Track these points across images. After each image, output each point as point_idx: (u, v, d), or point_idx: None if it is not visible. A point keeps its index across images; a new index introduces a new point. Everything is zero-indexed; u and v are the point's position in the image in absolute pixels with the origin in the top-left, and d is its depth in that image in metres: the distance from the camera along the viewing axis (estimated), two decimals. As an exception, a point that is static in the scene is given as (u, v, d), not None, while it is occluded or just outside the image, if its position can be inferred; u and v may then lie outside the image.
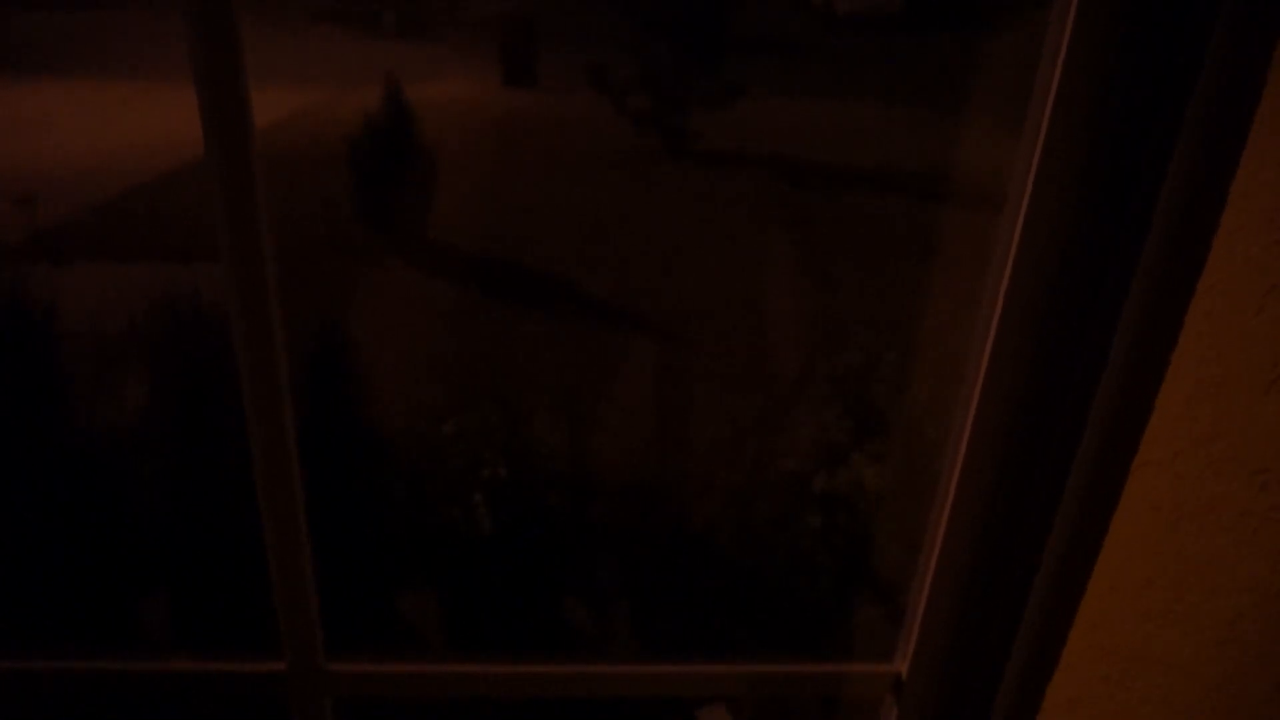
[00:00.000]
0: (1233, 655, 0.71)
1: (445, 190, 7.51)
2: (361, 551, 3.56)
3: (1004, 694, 1.04)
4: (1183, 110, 0.75)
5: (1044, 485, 0.94)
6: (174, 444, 3.59)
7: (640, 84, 9.73)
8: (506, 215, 7.52)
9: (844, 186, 8.94)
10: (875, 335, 5.05)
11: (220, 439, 3.49)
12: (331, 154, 7.29)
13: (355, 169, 6.97)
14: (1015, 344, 0.90)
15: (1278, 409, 0.68)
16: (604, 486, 4.05)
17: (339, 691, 1.18)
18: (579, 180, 8.53)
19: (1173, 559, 0.78)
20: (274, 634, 1.13)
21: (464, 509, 3.65)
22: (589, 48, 10.67)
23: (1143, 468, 0.82)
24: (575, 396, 4.74)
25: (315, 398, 3.70)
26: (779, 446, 4.30)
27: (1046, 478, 0.94)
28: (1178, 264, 0.77)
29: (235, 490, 3.34)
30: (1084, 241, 0.83)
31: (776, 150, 9.68)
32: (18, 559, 3.39)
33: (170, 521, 3.56)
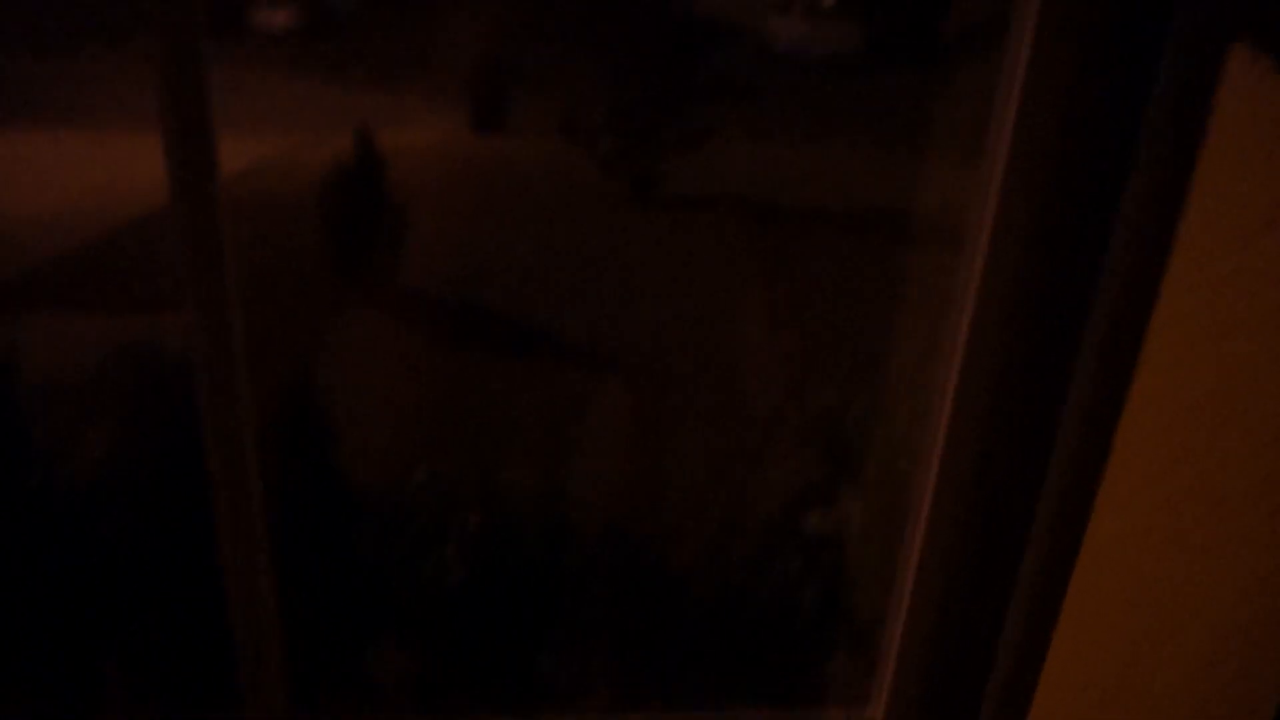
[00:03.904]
0: (1210, 684, 0.70)
1: (416, 237, 7.51)
2: (329, 604, 3.49)
3: (986, 735, 1.03)
4: (1134, 145, 0.77)
5: (1013, 521, 0.94)
6: (136, 497, 3.51)
7: (609, 128, 9.83)
8: (477, 261, 7.53)
9: (813, 226, 9.06)
10: (851, 374, 5.08)
11: (184, 491, 3.42)
12: (300, 202, 7.28)
13: (325, 217, 6.94)
14: (979, 380, 0.91)
15: (1239, 438, 0.68)
16: (580, 533, 4.01)
17: (306, 751, 1.14)
18: (550, 225, 8.57)
19: (1145, 591, 0.78)
20: (237, 690, 1.10)
21: (436, 559, 3.60)
22: (558, 93, 10.79)
23: (1110, 500, 0.82)
24: (549, 442, 4.71)
25: (282, 448, 3.65)
26: (758, 487, 4.29)
27: (1015, 515, 0.94)
28: (1133, 300, 0.78)
29: (199, 543, 3.26)
30: (1042, 277, 0.84)
31: (745, 192, 9.80)
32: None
33: (132, 574, 3.47)
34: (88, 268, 6.88)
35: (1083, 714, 0.87)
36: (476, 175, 9.97)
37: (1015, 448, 0.92)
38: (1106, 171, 0.80)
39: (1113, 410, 0.82)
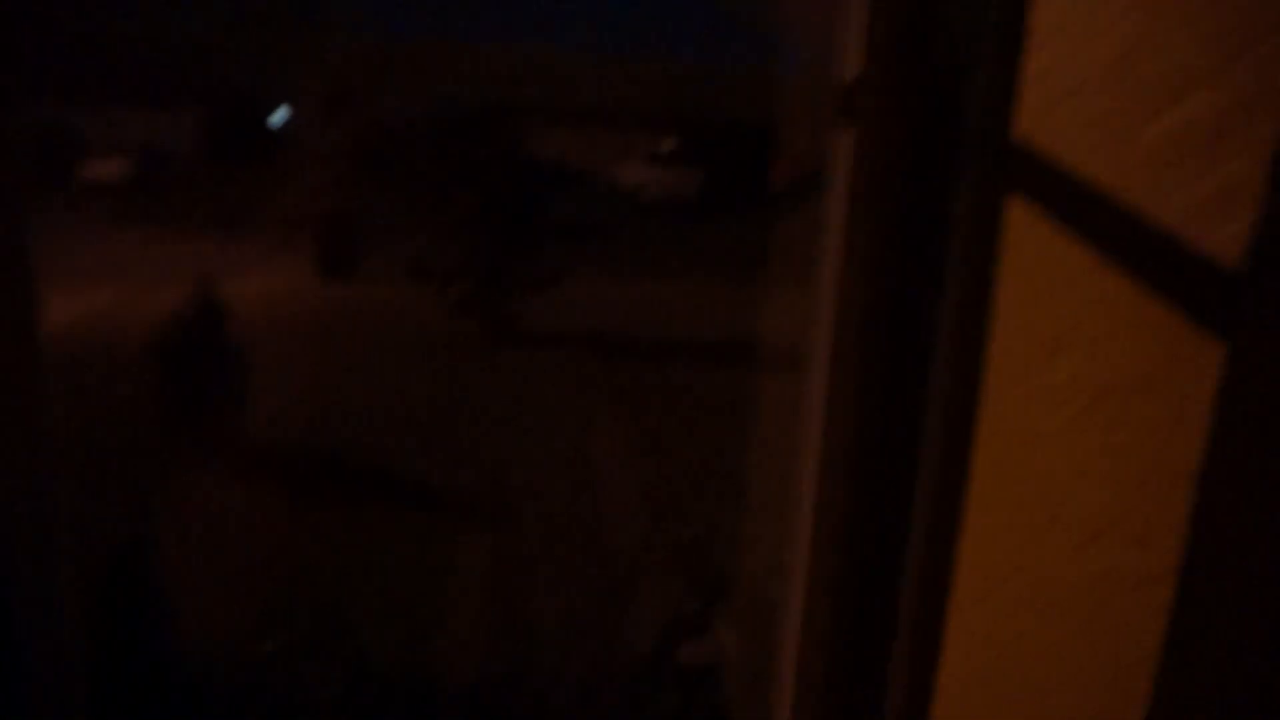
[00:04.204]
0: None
1: (261, 388, 7.21)
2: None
3: None
4: (940, 276, 0.86)
5: (878, 638, 0.97)
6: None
7: (460, 272, 9.91)
8: (327, 410, 7.27)
9: (665, 358, 9.31)
10: (714, 502, 5.14)
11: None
12: (135, 353, 6.89)
13: (161, 369, 6.60)
14: (833, 501, 0.95)
15: (1060, 546, 0.74)
16: (447, 692, 3.78)
17: None
18: (402, 370, 8.43)
19: (1001, 686, 0.81)
20: None
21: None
22: (407, 239, 10.85)
23: (959, 607, 0.86)
24: (408, 598, 4.48)
25: (110, 622, 3.30)
26: (628, 623, 4.20)
27: (879, 632, 0.96)
28: (957, 416, 0.85)
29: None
30: (877, 399, 0.90)
31: (597, 328, 10.02)
32: None
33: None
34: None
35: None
36: (325, 322, 9.77)
37: (872, 561, 0.96)
38: (920, 298, 0.88)
39: (955, 518, 0.87)
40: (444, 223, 10.62)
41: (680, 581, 4.15)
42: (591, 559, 4.90)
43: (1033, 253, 0.76)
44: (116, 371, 7.37)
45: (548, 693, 3.78)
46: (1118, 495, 0.68)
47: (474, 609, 4.48)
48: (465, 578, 4.74)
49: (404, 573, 4.72)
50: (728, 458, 6.29)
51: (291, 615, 4.09)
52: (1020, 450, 0.78)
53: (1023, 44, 0.77)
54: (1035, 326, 0.76)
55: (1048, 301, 0.75)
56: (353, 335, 9.44)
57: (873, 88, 0.87)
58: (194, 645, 3.73)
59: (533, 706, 3.67)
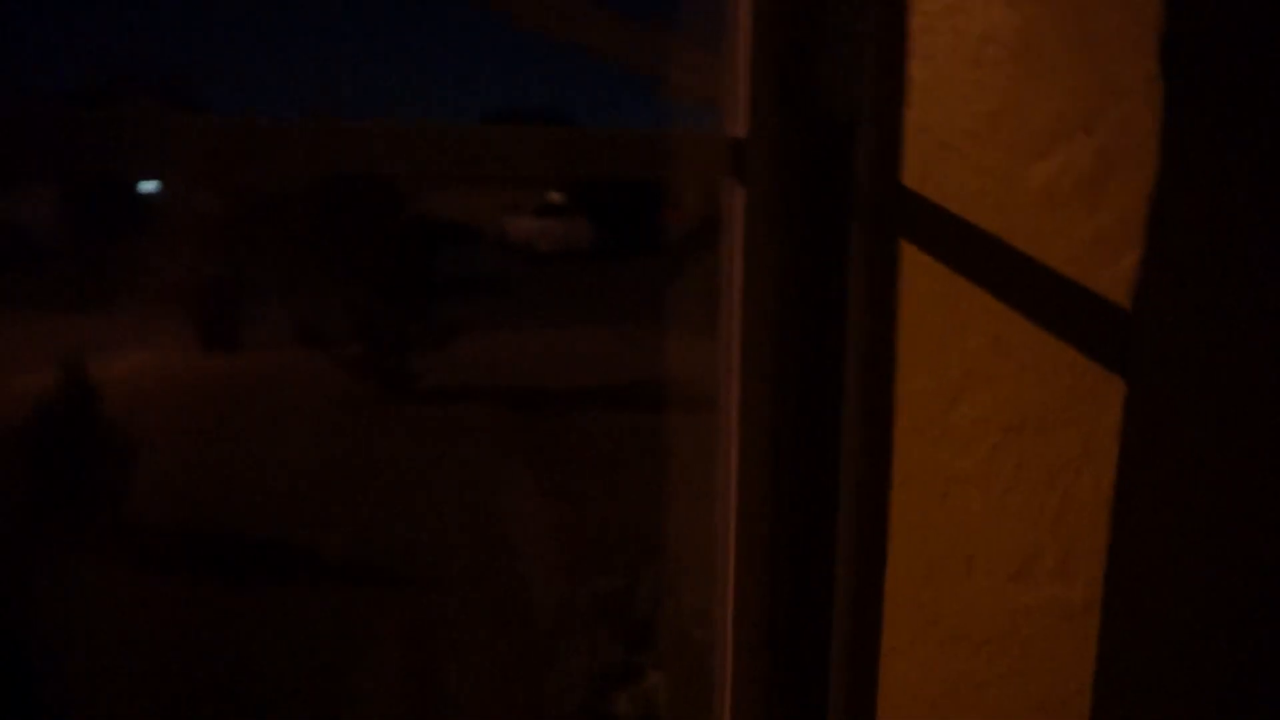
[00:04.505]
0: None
1: (146, 469, 6.82)
2: None
3: None
4: (841, 324, 0.88)
5: (810, 685, 0.96)
6: None
7: (352, 333, 9.68)
8: (218, 485, 6.94)
9: (567, 408, 9.27)
10: (631, 549, 5.10)
11: None
12: (3, 439, 6.45)
13: (29, 459, 6.18)
14: (753, 540, 0.95)
15: (983, 586, 0.76)
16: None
17: None
18: (298, 437, 8.13)
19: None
20: None
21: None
22: (292, 303, 10.53)
23: (888, 657, 0.86)
24: (318, 675, 4.28)
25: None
26: (553, 679, 4.10)
27: (807, 676, 0.96)
28: (871, 464, 0.86)
29: None
30: (790, 436, 0.91)
31: (498, 381, 9.91)
32: None
33: None
34: None
35: None
36: (211, 394, 9.35)
37: (798, 613, 0.96)
38: (823, 349, 0.90)
39: (876, 566, 0.88)
40: (330, 284, 10.40)
41: (604, 632, 4.09)
42: (510, 618, 4.78)
43: (930, 299, 0.79)
44: (-17, 463, 6.88)
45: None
46: (1035, 531, 0.70)
47: (390, 680, 4.30)
48: (379, 648, 4.55)
49: (312, 649, 4.50)
50: (641, 504, 6.27)
51: (190, 715, 3.85)
52: (936, 493, 0.80)
53: (903, 100, 0.80)
54: (939, 371, 0.78)
55: (949, 346, 0.77)
56: (242, 405, 9.07)
57: (759, 147, 0.89)
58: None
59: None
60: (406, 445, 7.93)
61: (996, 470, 0.73)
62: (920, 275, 0.79)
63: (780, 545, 0.95)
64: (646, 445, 7.64)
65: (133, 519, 6.33)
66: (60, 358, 6.87)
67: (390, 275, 9.99)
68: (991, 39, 0.71)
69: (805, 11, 0.87)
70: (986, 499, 0.74)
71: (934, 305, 0.78)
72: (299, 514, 6.35)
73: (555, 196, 14.23)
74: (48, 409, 6.38)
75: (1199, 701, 0.63)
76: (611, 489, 6.66)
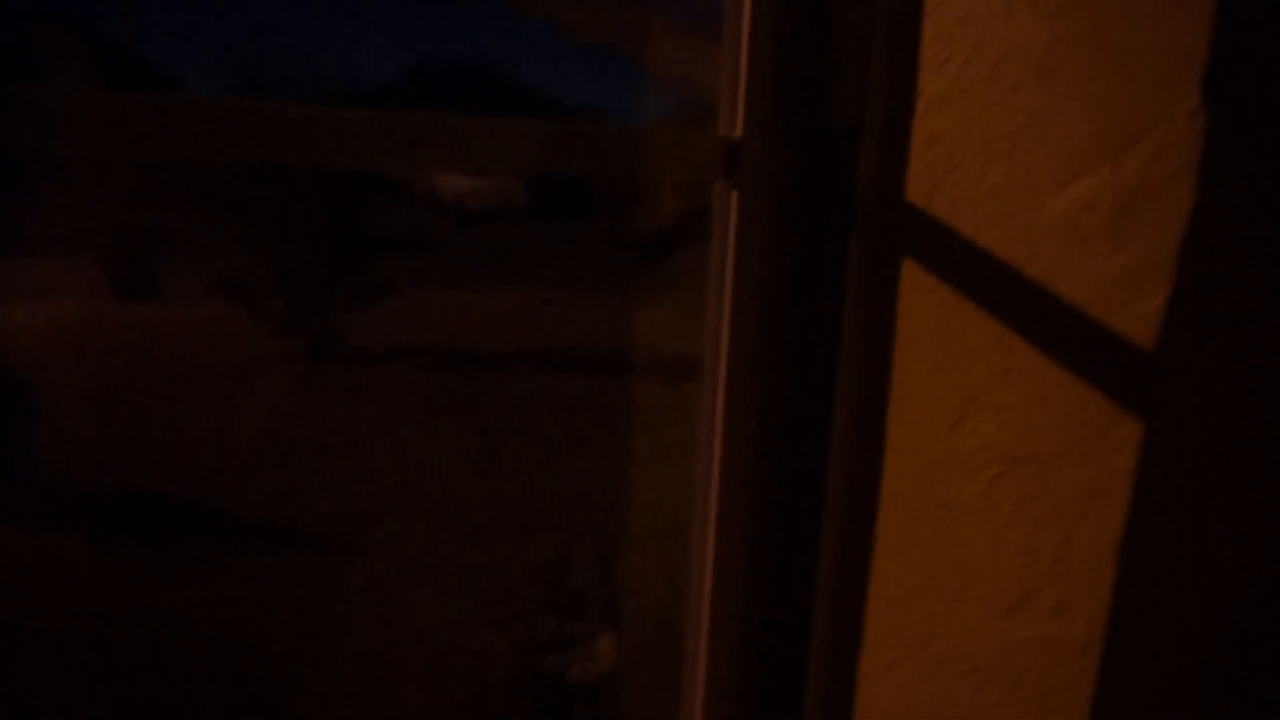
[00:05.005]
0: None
1: (52, 426, 6.52)
2: None
3: None
4: (834, 340, 0.85)
5: (783, 696, 0.95)
6: None
7: (276, 288, 9.37)
8: (134, 443, 6.67)
9: (498, 370, 9.16)
10: (567, 516, 5.08)
11: None
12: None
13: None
14: (731, 559, 0.93)
15: (976, 615, 0.74)
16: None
17: None
18: (216, 394, 7.85)
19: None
20: None
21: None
22: (212, 254, 10.12)
23: (867, 676, 0.85)
24: (238, 643, 4.17)
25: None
26: (484, 645, 4.08)
27: (783, 688, 0.95)
28: (859, 484, 0.84)
29: None
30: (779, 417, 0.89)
31: (428, 341, 9.73)
32: None
33: None
34: None
35: None
36: (125, 347, 8.95)
37: (775, 626, 0.95)
38: (814, 363, 0.88)
39: (859, 582, 0.87)
40: (254, 236, 10.04)
41: (538, 601, 4.08)
42: (440, 586, 4.73)
43: (931, 321, 0.76)
44: None
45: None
46: (1035, 566, 0.69)
47: (321, 646, 4.23)
48: (301, 614, 4.46)
49: (230, 615, 4.39)
50: (573, 469, 6.25)
51: (110, 676, 3.72)
52: (928, 518, 0.78)
53: (911, 111, 0.77)
54: (938, 394, 0.76)
55: (952, 371, 0.75)
56: (159, 361, 8.72)
57: (754, 150, 0.85)
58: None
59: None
60: (332, 406, 7.74)
61: (996, 501, 0.72)
62: (922, 296, 0.77)
63: (760, 562, 0.93)
64: (577, 410, 7.60)
65: (38, 476, 6.04)
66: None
67: (317, 228, 9.68)
68: (1013, 55, 0.68)
69: (809, 9, 0.82)
70: (984, 529, 0.73)
71: (937, 328, 0.76)
72: (216, 475, 6.15)
73: (489, 153, 13.91)
74: (-55, 359, 6.04)
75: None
76: (541, 455, 6.62)
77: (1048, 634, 0.68)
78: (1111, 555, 0.63)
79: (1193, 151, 0.58)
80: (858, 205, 0.82)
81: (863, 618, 0.86)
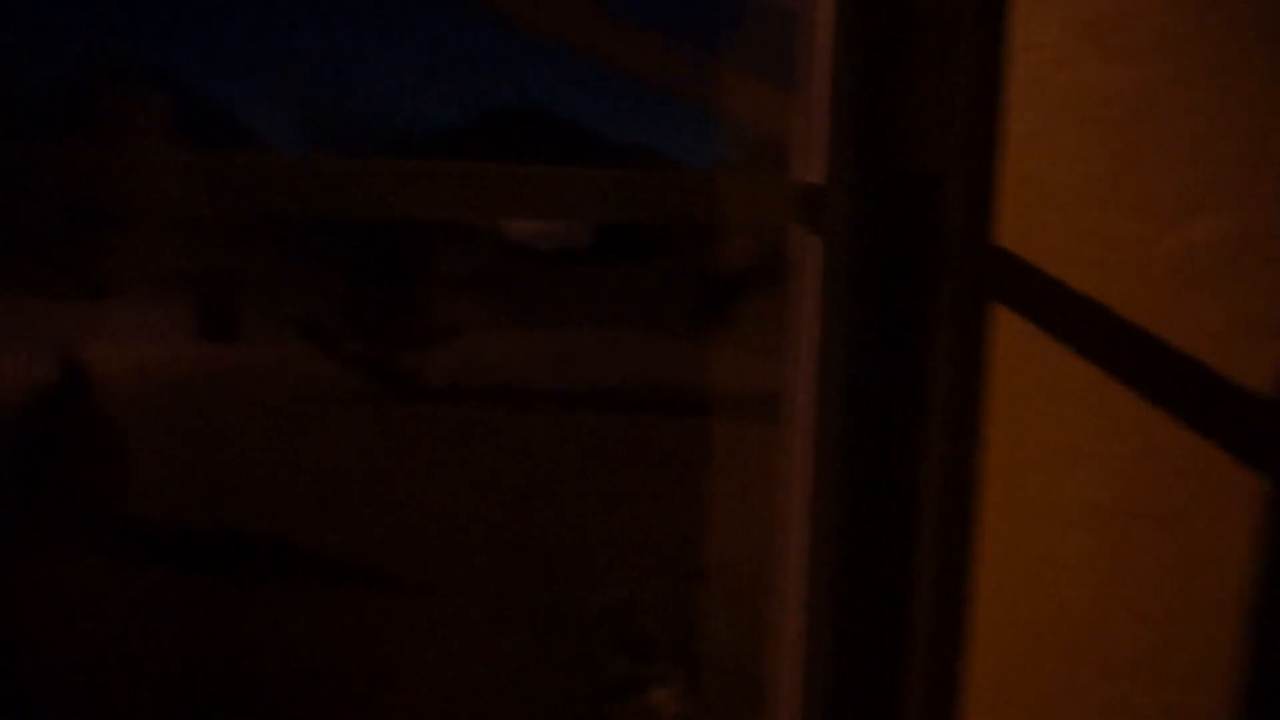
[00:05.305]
0: None
1: (139, 461, 6.75)
2: None
3: None
4: (923, 388, 0.83)
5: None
6: None
7: (351, 329, 9.63)
8: (215, 479, 6.87)
9: (567, 408, 9.21)
10: (640, 559, 5.04)
11: None
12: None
13: (22, 447, 6.12)
14: (823, 607, 0.90)
15: (1087, 671, 0.70)
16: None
17: None
18: (294, 432, 8.06)
19: None
20: None
21: None
22: (289, 297, 10.45)
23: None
24: (315, 682, 4.22)
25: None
26: (572, 688, 4.06)
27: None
28: (952, 536, 0.81)
29: None
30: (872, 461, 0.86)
31: (498, 380, 9.84)
32: None
33: None
34: None
35: None
36: (208, 386, 9.27)
37: (870, 679, 0.91)
38: (903, 412, 0.85)
39: (953, 646, 0.84)
40: (328, 279, 10.34)
41: (606, 643, 4.04)
42: (508, 626, 4.73)
43: (1027, 368, 0.74)
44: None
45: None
46: (1152, 630, 0.65)
47: (389, 686, 4.26)
48: (378, 653, 4.50)
49: (310, 654, 4.45)
50: (643, 510, 6.22)
51: (185, 713, 3.79)
52: (1027, 572, 0.75)
53: (999, 154, 0.75)
54: (1035, 444, 0.73)
55: (1048, 419, 0.72)
56: (240, 399, 9.00)
57: (837, 195, 0.84)
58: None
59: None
60: (404, 444, 7.87)
61: (1104, 558, 0.68)
62: (1017, 342, 0.74)
63: (852, 616, 0.90)
64: (646, 450, 7.58)
65: (128, 511, 6.27)
66: (58, 346, 6.81)
67: (387, 271, 9.93)
68: (1108, 96, 0.66)
69: (890, 53, 0.82)
70: (1091, 587, 0.69)
71: (1033, 375, 0.73)
72: (290, 512, 6.29)
73: (555, 194, 14.15)
74: (44, 397, 6.33)
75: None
76: (610, 493, 6.61)
77: (1170, 703, 0.64)
78: (1242, 621, 0.59)
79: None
80: (946, 249, 0.80)
81: (960, 674, 0.82)
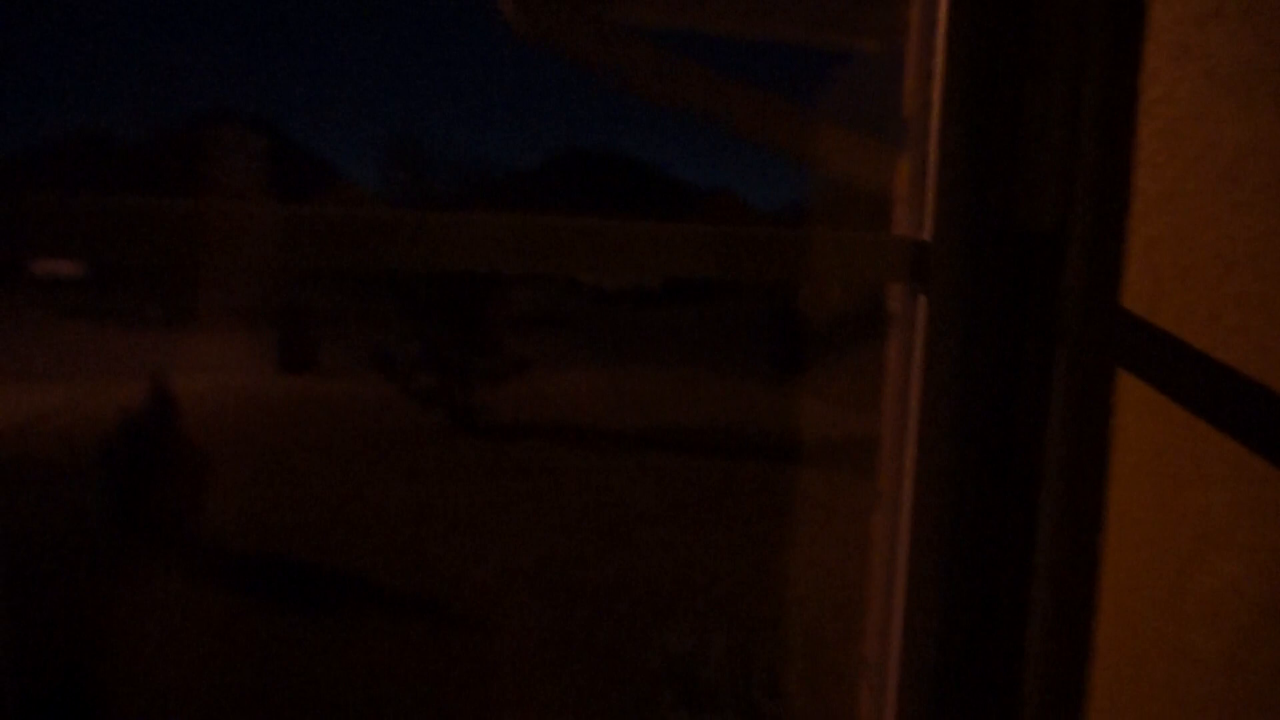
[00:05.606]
0: None
1: (220, 487, 6.94)
2: None
3: None
4: (1039, 463, 0.77)
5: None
6: None
7: (424, 364, 9.80)
8: (290, 508, 7.01)
9: (633, 448, 9.18)
10: (701, 602, 4.95)
11: None
12: (85, 454, 6.64)
13: (110, 469, 6.33)
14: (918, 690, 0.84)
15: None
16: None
17: None
18: (368, 463, 8.20)
19: None
20: None
21: None
22: (368, 332, 10.70)
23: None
24: (372, 714, 4.22)
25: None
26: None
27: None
28: (1069, 631, 0.76)
29: None
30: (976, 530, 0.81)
31: (566, 418, 9.88)
32: None
33: None
34: None
35: None
36: (286, 417, 9.51)
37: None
38: (1017, 490, 0.80)
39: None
40: (404, 316, 10.58)
41: (668, 694, 3.96)
42: (571, 669, 4.68)
43: (1156, 444, 0.68)
44: (67, 473, 7.09)
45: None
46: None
47: (457, 717, 4.23)
48: (443, 686, 4.49)
49: (375, 685, 4.46)
50: (709, 554, 6.13)
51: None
52: (1161, 670, 0.68)
53: (1126, 213, 0.70)
54: (1164, 528, 0.67)
55: (1179, 501, 0.66)
56: (316, 431, 9.20)
57: (945, 253, 0.80)
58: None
59: None
60: (469, 479, 7.92)
61: (1249, 657, 0.62)
62: (1145, 414, 0.69)
63: (953, 710, 0.84)
64: (714, 492, 7.48)
65: (204, 535, 6.42)
66: (147, 373, 7.05)
67: (461, 309, 10.12)
68: (1256, 151, 0.61)
69: (1003, 105, 0.78)
70: (1237, 690, 0.63)
71: (1162, 452, 0.68)
72: (360, 544, 6.36)
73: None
74: (133, 422, 6.55)
75: None
76: (677, 536, 6.53)
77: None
78: None
79: None
80: (1064, 313, 0.75)
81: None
